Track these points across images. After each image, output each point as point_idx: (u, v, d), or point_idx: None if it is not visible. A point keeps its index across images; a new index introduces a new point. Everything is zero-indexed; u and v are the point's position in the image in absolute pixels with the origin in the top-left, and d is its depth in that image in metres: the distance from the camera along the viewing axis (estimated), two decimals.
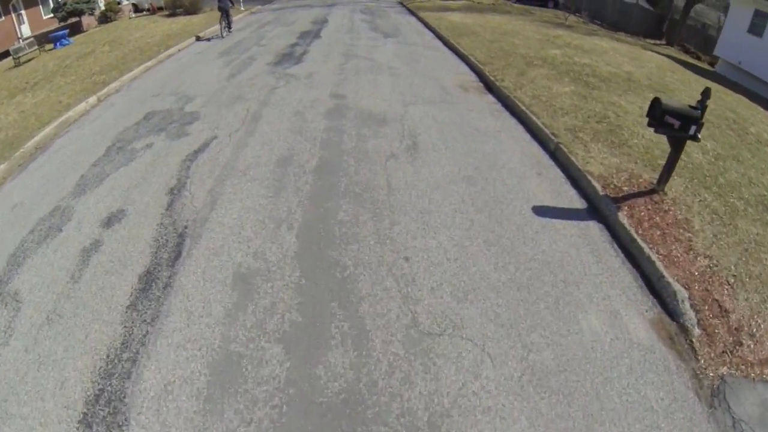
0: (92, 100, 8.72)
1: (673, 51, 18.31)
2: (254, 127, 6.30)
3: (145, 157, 5.87)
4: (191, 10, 18.87)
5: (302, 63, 10.03)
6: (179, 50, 12.70)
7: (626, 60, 11.33)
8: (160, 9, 20.76)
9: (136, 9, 23.07)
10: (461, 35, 12.66)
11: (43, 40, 17.47)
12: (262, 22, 16.69)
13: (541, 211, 4.55)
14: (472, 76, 9.16)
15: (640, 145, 5.96)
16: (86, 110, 8.37)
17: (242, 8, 19.89)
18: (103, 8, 21.39)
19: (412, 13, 18.70)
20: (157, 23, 17.58)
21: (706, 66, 16.86)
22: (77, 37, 18.72)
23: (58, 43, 17.02)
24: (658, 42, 19.84)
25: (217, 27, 14.57)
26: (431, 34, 14.00)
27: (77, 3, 19.54)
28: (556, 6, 24.92)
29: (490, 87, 8.42)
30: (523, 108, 6.94)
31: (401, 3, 22.38)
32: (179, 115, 7.13)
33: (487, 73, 8.84)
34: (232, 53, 11.39)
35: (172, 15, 19.00)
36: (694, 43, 20.98)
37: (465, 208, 4.40)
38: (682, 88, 9.53)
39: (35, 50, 16.34)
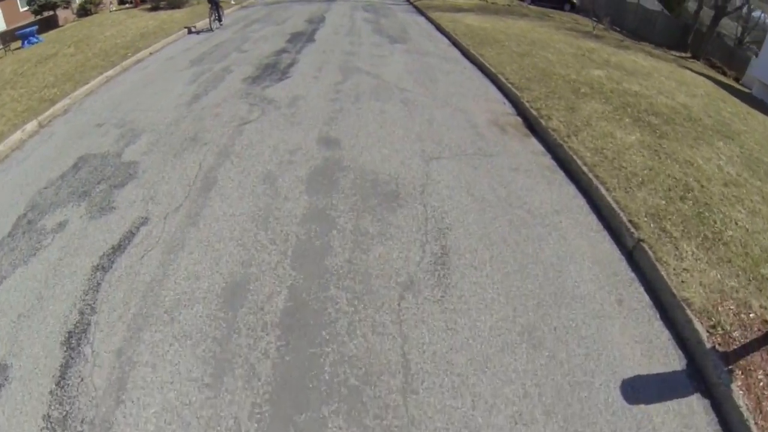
0: (31, 126, 6.78)
1: (700, 66, 16.53)
2: (202, 204, 4.32)
3: (51, 249, 3.99)
4: (175, 4, 16.67)
5: (287, 80, 7.95)
6: (150, 53, 10.69)
7: (674, 85, 9.41)
8: (144, 1, 18.51)
9: (121, 0, 20.78)
10: (483, 44, 10.57)
11: (8, 38, 15.28)
12: (251, 19, 14.52)
13: (631, 391, 2.77)
14: (507, 106, 7.13)
15: (736, 240, 4.22)
16: (21, 142, 6.48)
17: (232, 1, 17.67)
18: (82, 0, 19.10)
19: (420, 12, 16.44)
20: (135, 18, 15.40)
21: (740, 87, 15.05)
22: (50, 33, 16.49)
23: (26, 42, 14.81)
24: (683, 55, 18.17)
25: (205, 21, 13.06)
26: (446, 39, 11.86)
27: None
28: (572, 9, 22.93)
29: (532, 126, 6.42)
30: (585, 170, 4.98)
31: (408, 0, 20.06)
32: (113, 168, 5.19)
33: (527, 104, 6.81)
34: (205, 61, 9.32)
35: (155, 8, 16.80)
36: (719, 57, 19.20)
37: (529, 410, 2.52)
38: (744, 128, 7.79)
39: (0, 50, 14.24)
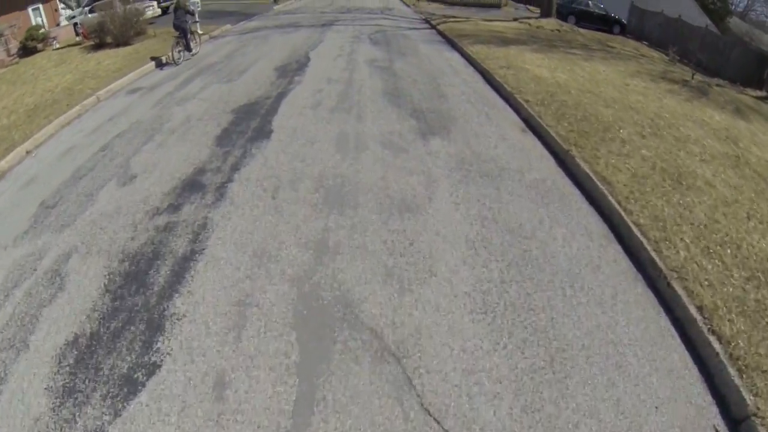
0: None
1: None
2: None
3: None
4: (121, 40, 11.89)
5: (147, 396, 2.50)
6: (26, 152, 6.13)
7: None
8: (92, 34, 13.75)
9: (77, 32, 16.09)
10: (584, 133, 5.39)
11: None
12: (203, 64, 9.53)
13: None
14: None
15: None
16: None
17: (199, 31, 12.77)
18: (23, 37, 14.44)
19: (451, 44, 11.06)
20: (61, 67, 10.69)
21: None
22: None
23: None
24: (760, 94, 13.41)
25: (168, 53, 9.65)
26: (510, 111, 6.57)
27: None
28: (622, 31, 19.75)
29: None
30: None
31: (428, 21, 14.69)
32: None
33: None
34: (53, 214, 4.30)
35: (99, 46, 12.09)
36: None
37: None
38: None
39: None
